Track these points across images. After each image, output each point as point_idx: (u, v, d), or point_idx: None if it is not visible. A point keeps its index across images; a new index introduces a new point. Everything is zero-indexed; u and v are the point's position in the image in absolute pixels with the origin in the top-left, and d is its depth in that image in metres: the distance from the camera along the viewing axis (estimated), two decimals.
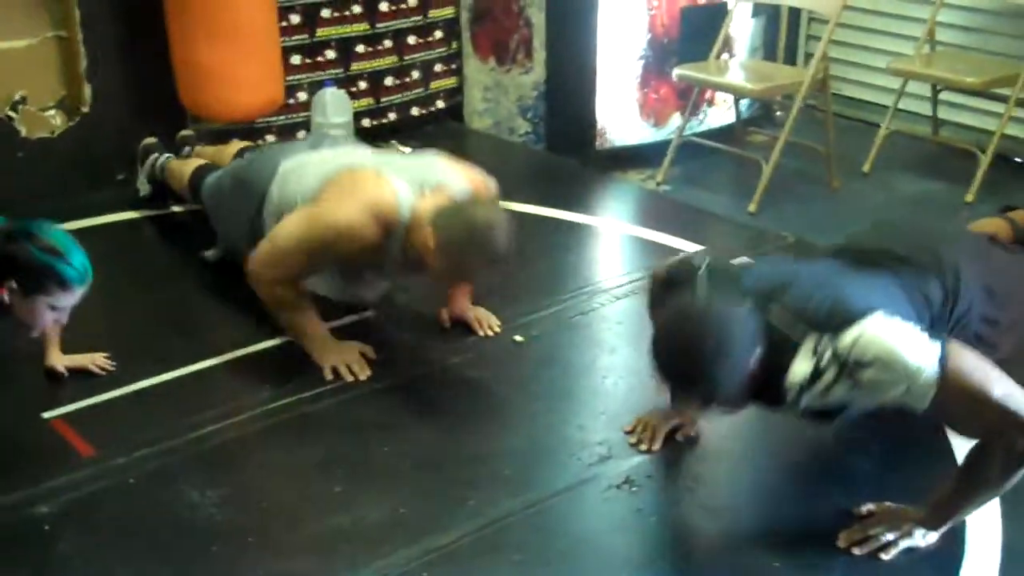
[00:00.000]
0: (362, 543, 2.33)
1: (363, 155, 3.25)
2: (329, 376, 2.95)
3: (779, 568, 2.24)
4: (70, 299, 2.58)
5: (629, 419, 2.74)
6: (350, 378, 2.94)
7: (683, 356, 2.11)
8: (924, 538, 2.28)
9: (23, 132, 4.09)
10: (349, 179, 2.98)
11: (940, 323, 2.33)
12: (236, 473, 2.60)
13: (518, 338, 3.15)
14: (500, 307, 3.25)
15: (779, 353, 2.14)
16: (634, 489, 2.50)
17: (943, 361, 2.06)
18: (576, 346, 3.20)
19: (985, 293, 2.42)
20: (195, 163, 3.80)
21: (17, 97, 4.06)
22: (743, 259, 2.46)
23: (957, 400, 2.08)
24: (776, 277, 2.28)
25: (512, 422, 2.80)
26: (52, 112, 4.17)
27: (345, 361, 2.97)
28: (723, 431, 2.71)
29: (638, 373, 2.96)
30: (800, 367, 2.12)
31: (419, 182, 2.94)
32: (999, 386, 2.08)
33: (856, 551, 2.27)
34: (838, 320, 2.12)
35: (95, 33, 4.12)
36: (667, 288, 2.46)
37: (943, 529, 2.28)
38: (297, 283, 3.00)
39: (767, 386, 2.17)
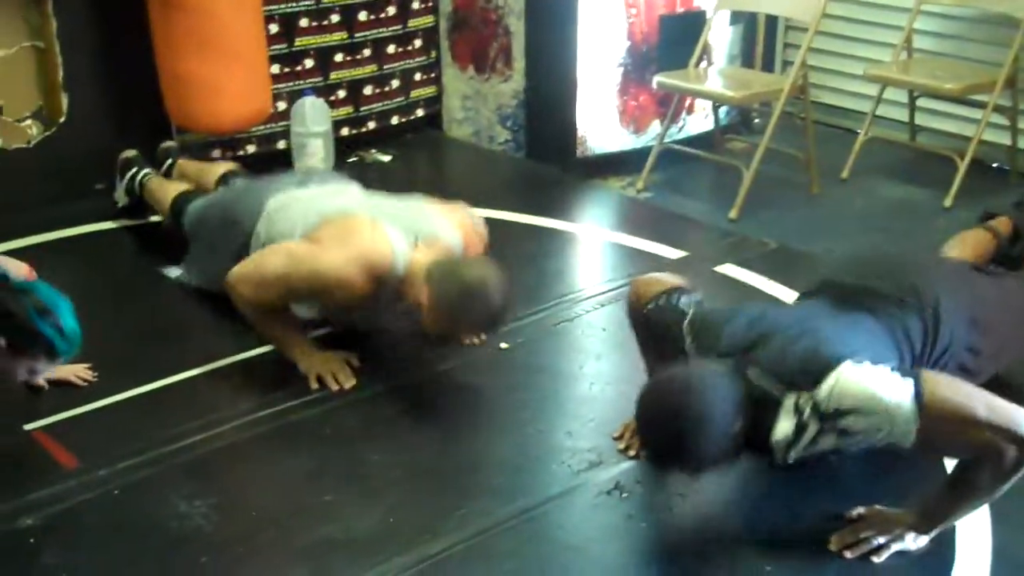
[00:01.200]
0: (354, 552, 2.31)
1: (353, 195, 3.23)
2: (314, 385, 2.93)
3: (771, 572, 2.24)
4: (50, 367, 2.57)
5: (617, 425, 2.73)
6: (335, 387, 2.92)
7: (666, 435, 2.18)
8: (915, 541, 2.28)
9: None
10: (344, 225, 2.94)
11: (922, 359, 2.38)
12: (223, 483, 2.57)
13: (504, 345, 3.13)
14: None
15: (763, 412, 2.20)
16: (624, 495, 2.50)
17: (919, 392, 2.10)
18: (562, 353, 3.19)
19: (968, 323, 2.47)
20: (177, 188, 3.73)
21: None
22: (696, 298, 2.52)
23: (942, 428, 2.11)
24: (753, 329, 2.32)
25: (500, 430, 2.79)
26: (28, 122, 4.13)
27: (330, 370, 2.95)
28: None
29: (624, 379, 2.95)
30: (783, 426, 2.19)
31: (413, 232, 2.92)
32: (980, 404, 2.11)
33: (847, 554, 2.27)
34: (813, 374, 2.17)
35: (72, 43, 4.09)
36: (648, 328, 2.55)
37: (934, 533, 2.29)
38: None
39: (754, 442, 2.22)
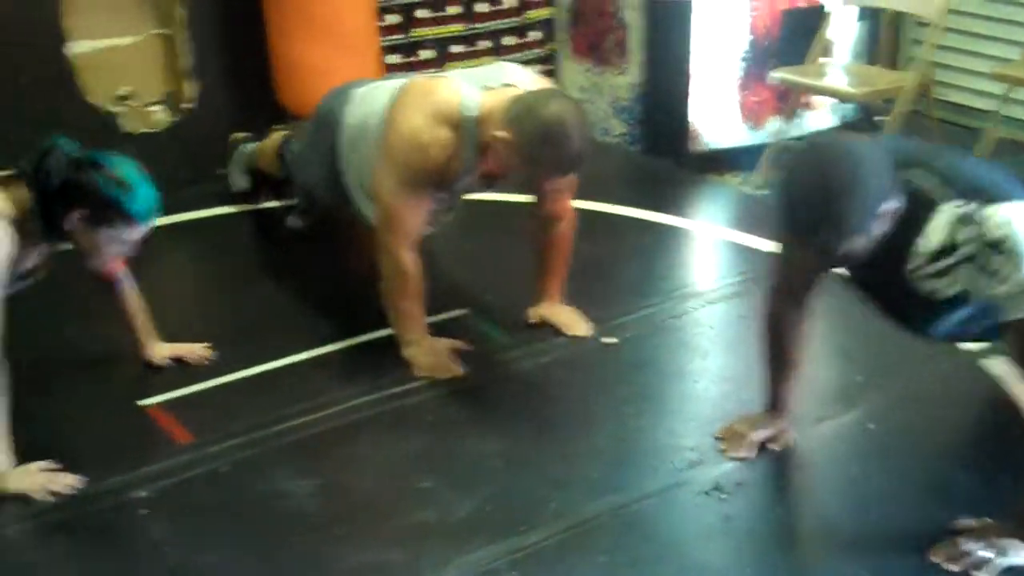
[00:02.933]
0: (448, 539, 2.34)
1: None
2: (420, 373, 2.96)
3: None
4: (134, 234, 2.57)
5: (720, 425, 2.70)
6: (441, 375, 2.95)
7: (812, 188, 2.02)
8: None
9: (128, 127, 4.18)
10: (409, 90, 2.94)
11: None
12: (326, 464, 2.62)
13: (608, 340, 3.13)
14: (591, 309, 3.23)
15: (915, 214, 2.07)
16: (723, 496, 2.47)
17: None
18: (667, 350, 3.17)
19: None
20: (283, 132, 3.84)
21: (123, 93, 4.16)
22: None
23: None
24: (922, 149, 2.20)
25: (600, 424, 2.78)
26: (156, 108, 4.26)
27: (438, 358, 2.98)
28: (818, 441, 2.66)
29: (730, 379, 2.93)
30: (935, 234, 2.07)
31: (482, 81, 2.90)
32: None
33: (951, 567, 2.20)
34: (989, 194, 2.04)
35: (197, 31, 4.20)
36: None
37: None
38: (419, 255, 2.97)
39: (891, 251, 2.09)
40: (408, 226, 2.93)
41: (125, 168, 2.54)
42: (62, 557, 2.32)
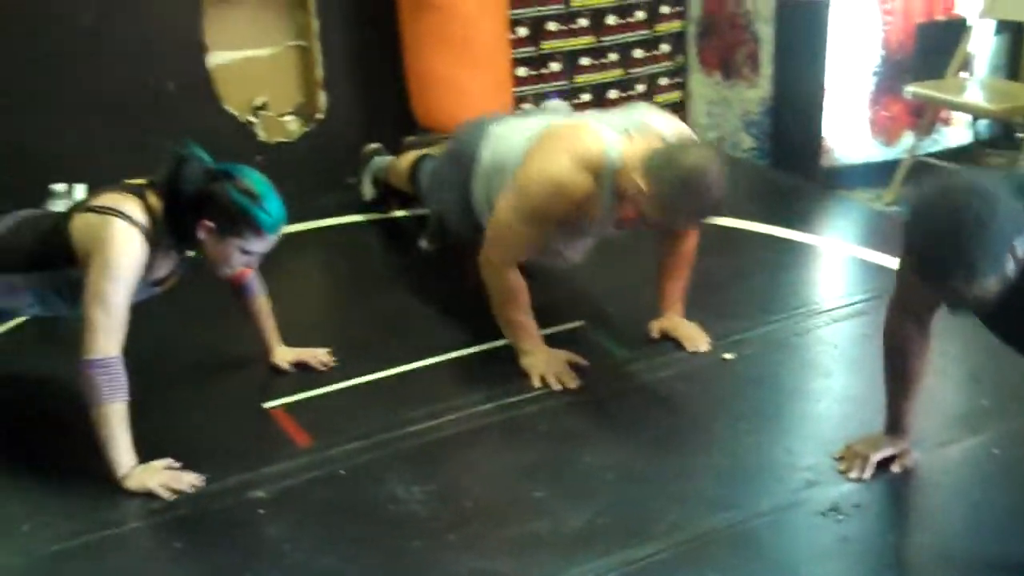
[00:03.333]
0: (560, 549, 2.34)
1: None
2: (537, 383, 2.97)
3: None
4: (262, 245, 2.62)
5: (840, 445, 2.64)
6: (558, 387, 2.96)
7: (940, 231, 1.95)
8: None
9: (262, 136, 4.30)
10: (552, 134, 2.98)
11: None
12: (441, 471, 2.65)
13: (728, 356, 3.09)
14: (711, 323, 3.20)
15: None
16: (840, 517, 2.42)
17: None
18: (788, 367, 3.12)
19: None
20: (417, 153, 3.90)
21: (258, 103, 4.28)
22: None
23: None
24: None
25: (717, 440, 2.76)
26: (290, 118, 4.37)
27: (554, 369, 2.99)
28: (940, 465, 2.59)
29: (852, 399, 2.87)
30: None
31: (623, 127, 2.92)
32: None
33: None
34: None
35: (330, 43, 4.30)
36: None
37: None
38: (524, 274, 3.02)
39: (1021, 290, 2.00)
40: (516, 252, 2.99)
41: (256, 180, 2.61)
42: (181, 554, 2.39)
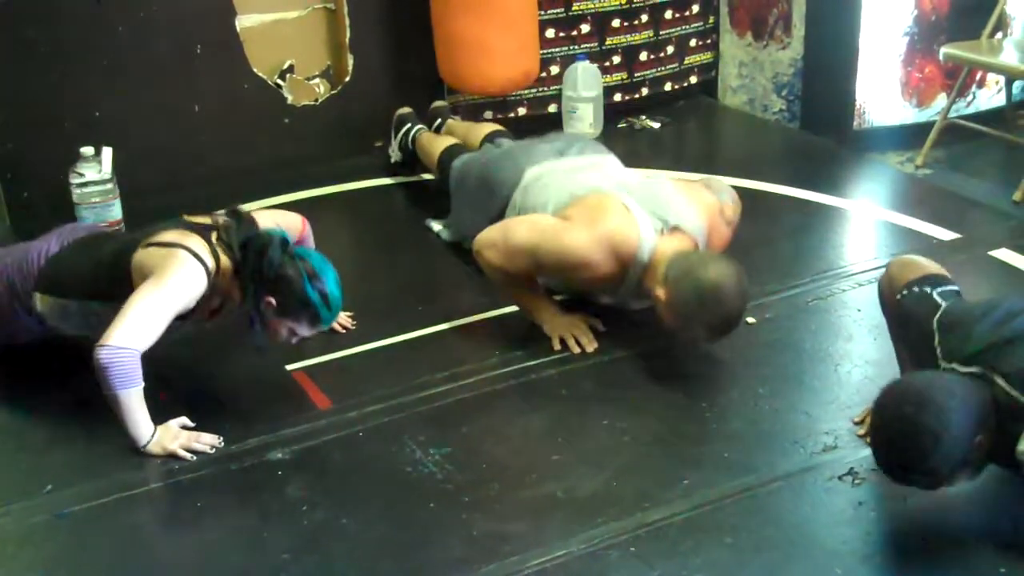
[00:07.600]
0: (574, 512, 2.35)
1: (607, 171, 3.23)
2: (556, 346, 2.98)
3: (1005, 574, 2.12)
4: (310, 333, 2.69)
5: (859, 410, 2.64)
6: (577, 350, 2.96)
7: (899, 446, 2.10)
8: None
9: (290, 99, 4.31)
10: (594, 204, 2.96)
11: None
12: (458, 433, 2.66)
13: (749, 319, 3.07)
14: None
15: (1009, 422, 2.08)
16: (857, 482, 2.41)
17: None
18: (810, 331, 3.09)
19: None
20: (445, 141, 3.88)
21: (286, 66, 4.28)
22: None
23: None
24: (1002, 331, 2.17)
25: (735, 404, 2.75)
26: (317, 81, 4.37)
27: (573, 332, 2.99)
28: None
29: (873, 363, 2.85)
30: None
31: (660, 217, 2.91)
32: None
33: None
34: None
35: (358, 5, 4.29)
36: (898, 316, 2.44)
37: None
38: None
39: (999, 454, 2.11)
40: (510, 266, 2.97)
41: (329, 278, 2.64)
42: (201, 514, 2.42)
